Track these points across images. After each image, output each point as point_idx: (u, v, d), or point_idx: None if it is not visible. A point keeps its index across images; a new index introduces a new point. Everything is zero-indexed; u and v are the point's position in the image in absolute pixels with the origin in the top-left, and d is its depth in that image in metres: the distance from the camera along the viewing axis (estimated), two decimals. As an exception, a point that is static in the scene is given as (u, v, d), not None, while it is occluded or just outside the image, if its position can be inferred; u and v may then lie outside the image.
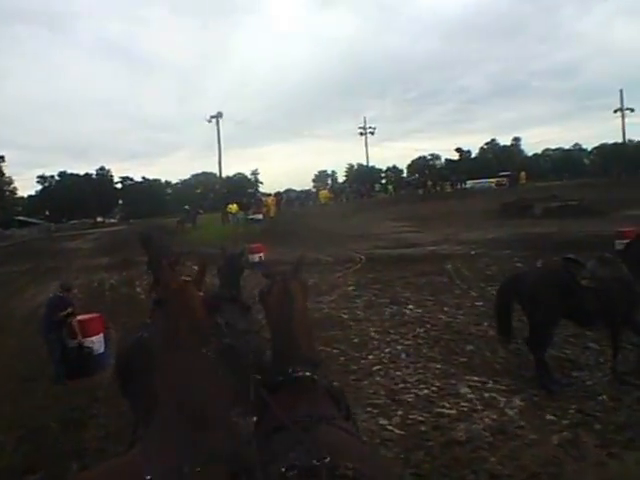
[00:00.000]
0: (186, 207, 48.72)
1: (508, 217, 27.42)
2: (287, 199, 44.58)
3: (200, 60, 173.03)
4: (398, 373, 6.66)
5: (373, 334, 8.53)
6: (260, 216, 35.03)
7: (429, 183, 55.79)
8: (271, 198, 39.75)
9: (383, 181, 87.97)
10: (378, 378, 6.53)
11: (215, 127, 42.72)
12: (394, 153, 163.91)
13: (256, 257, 17.13)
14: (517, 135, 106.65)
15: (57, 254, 30.60)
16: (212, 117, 42.18)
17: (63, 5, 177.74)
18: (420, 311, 9.79)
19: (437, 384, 6.20)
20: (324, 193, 49.36)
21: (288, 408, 2.18)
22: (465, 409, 5.49)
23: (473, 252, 16.90)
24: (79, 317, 7.58)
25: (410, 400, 5.80)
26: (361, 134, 57.72)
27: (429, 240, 21.01)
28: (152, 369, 3.11)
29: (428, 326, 8.75)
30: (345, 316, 9.91)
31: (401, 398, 5.85)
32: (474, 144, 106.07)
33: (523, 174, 56.04)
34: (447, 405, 5.61)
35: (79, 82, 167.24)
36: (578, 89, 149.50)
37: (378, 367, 6.94)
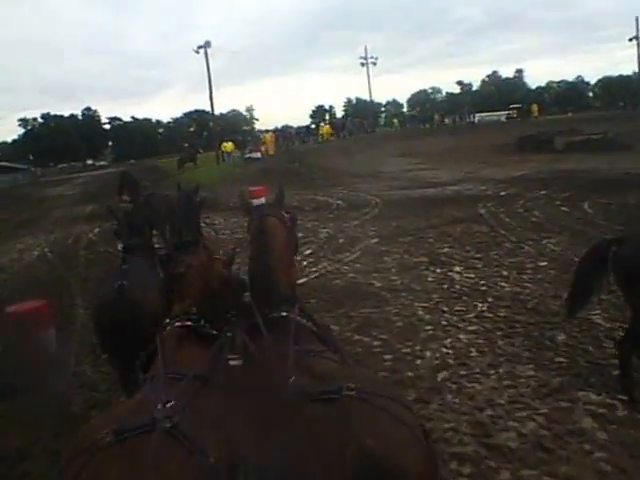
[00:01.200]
0: (186, 145, 46.05)
1: (527, 152, 25.11)
2: (286, 135, 41.16)
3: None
4: (477, 386, 4.53)
5: (421, 313, 6.42)
6: (258, 155, 32.10)
7: (436, 117, 52.46)
8: (269, 135, 36.32)
9: (384, 115, 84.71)
10: (450, 397, 4.40)
11: (205, 62, 39.42)
12: (392, 87, 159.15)
13: (258, 202, 14.97)
14: (519, 67, 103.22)
15: (37, 202, 28.34)
16: (199, 47, 38.60)
17: None
18: (472, 276, 7.64)
19: (542, 410, 4.09)
20: (326, 128, 45.63)
21: (271, 348, 2.04)
22: (606, 467, 3.40)
23: (503, 193, 14.74)
24: (17, 306, 5.42)
25: (512, 445, 3.69)
26: (362, 65, 53.83)
27: (449, 179, 18.76)
28: (138, 319, 3.34)
29: (490, 300, 6.63)
30: (377, 284, 7.73)
31: (497, 442, 3.73)
32: (474, 77, 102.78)
33: (535, 106, 52.75)
34: (573, 457, 3.55)
35: (62, 19, 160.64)
36: (579, 21, 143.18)
37: (444, 375, 4.81)
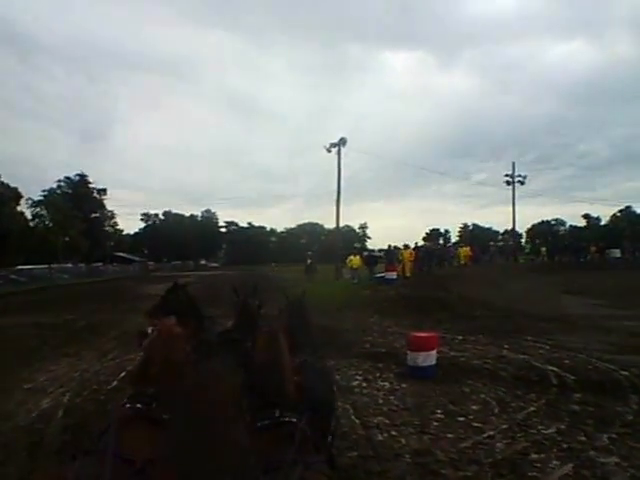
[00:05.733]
0: (309, 253, 42.48)
1: None
2: (431, 253, 34.98)
3: (313, 115, 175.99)
4: None
5: None
6: (394, 275, 26.45)
7: (592, 248, 45.12)
8: (408, 252, 30.41)
9: (500, 243, 78.88)
10: None
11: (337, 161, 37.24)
12: (506, 217, 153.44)
13: (426, 357, 9.10)
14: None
15: (124, 301, 24.70)
16: (333, 145, 36.01)
17: (189, 56, 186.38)
18: None
19: None
20: (465, 250, 39.80)
21: (274, 452, 2.01)
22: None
23: None
24: None
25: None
26: (507, 183, 50.80)
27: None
28: None
29: None
30: None
31: None
32: (595, 212, 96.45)
33: None
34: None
35: (196, 129, 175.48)
36: None
37: None
